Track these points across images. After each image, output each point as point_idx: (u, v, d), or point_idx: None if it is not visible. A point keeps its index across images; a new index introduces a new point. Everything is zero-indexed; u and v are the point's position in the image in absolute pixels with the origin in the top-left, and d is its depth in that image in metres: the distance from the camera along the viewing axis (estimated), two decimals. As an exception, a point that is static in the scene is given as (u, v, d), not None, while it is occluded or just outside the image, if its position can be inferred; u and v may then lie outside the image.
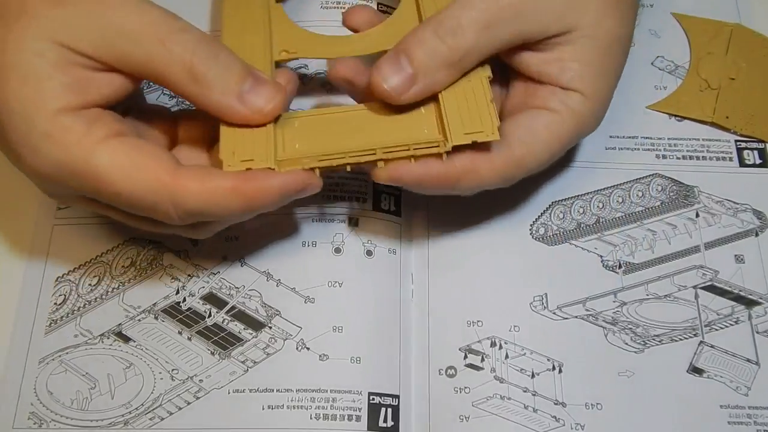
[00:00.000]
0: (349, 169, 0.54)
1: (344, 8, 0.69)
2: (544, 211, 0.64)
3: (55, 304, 0.62)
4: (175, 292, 0.62)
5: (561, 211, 0.64)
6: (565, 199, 0.65)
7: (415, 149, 0.53)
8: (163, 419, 0.58)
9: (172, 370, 0.59)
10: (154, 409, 0.58)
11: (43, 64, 0.49)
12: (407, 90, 0.54)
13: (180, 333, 0.60)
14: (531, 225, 0.64)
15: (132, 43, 0.50)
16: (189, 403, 0.58)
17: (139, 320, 0.61)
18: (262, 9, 0.61)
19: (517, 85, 0.59)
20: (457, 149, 0.54)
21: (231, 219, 0.54)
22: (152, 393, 0.59)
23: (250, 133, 0.54)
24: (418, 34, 0.55)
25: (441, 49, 0.54)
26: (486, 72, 0.56)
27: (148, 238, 0.63)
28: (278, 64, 0.59)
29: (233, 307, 0.61)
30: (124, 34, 0.50)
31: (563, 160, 0.65)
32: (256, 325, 0.60)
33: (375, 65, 0.55)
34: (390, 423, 0.57)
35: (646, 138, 0.67)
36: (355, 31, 0.62)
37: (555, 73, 0.56)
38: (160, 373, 0.59)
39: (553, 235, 0.63)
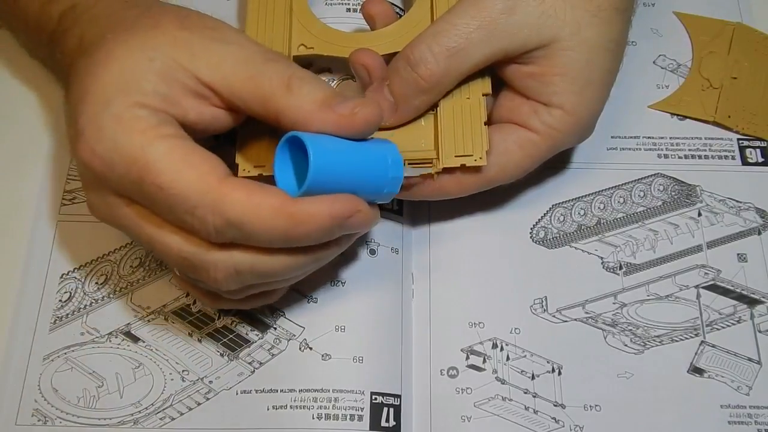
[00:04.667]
0: None
1: (349, 5, 0.70)
2: (544, 214, 0.65)
3: (60, 301, 0.62)
4: (185, 294, 0.62)
5: (561, 214, 0.64)
6: (565, 201, 0.65)
7: (410, 166, 0.57)
8: (173, 419, 0.58)
9: (183, 371, 0.60)
10: (164, 409, 0.59)
11: (148, 67, 0.50)
12: (390, 116, 0.58)
13: (191, 335, 0.61)
14: (531, 228, 0.64)
15: (241, 64, 0.51)
16: (199, 404, 0.59)
17: (149, 321, 0.62)
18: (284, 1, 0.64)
19: (505, 95, 0.60)
20: (448, 168, 0.57)
21: (274, 244, 0.50)
22: (163, 393, 0.59)
23: (266, 140, 0.58)
24: (393, 63, 0.58)
25: (414, 78, 0.57)
26: (485, 88, 0.59)
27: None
28: (296, 59, 0.63)
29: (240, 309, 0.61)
30: (235, 61, 0.51)
31: (564, 163, 0.66)
32: (262, 327, 0.61)
33: (364, 94, 0.59)
34: (392, 423, 0.58)
35: (648, 138, 0.67)
36: (371, 20, 0.64)
37: (537, 89, 0.57)
38: (170, 373, 0.60)
39: (553, 238, 0.64)
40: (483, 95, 0.58)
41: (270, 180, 0.60)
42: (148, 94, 0.50)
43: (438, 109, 0.59)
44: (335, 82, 0.66)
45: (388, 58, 0.60)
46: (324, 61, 0.67)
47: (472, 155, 0.57)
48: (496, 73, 0.59)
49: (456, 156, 0.57)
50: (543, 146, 0.58)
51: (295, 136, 0.49)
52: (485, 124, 0.58)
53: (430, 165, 0.57)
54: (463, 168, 0.57)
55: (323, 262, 0.54)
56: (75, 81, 0.52)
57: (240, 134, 0.59)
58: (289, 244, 0.50)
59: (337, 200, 0.49)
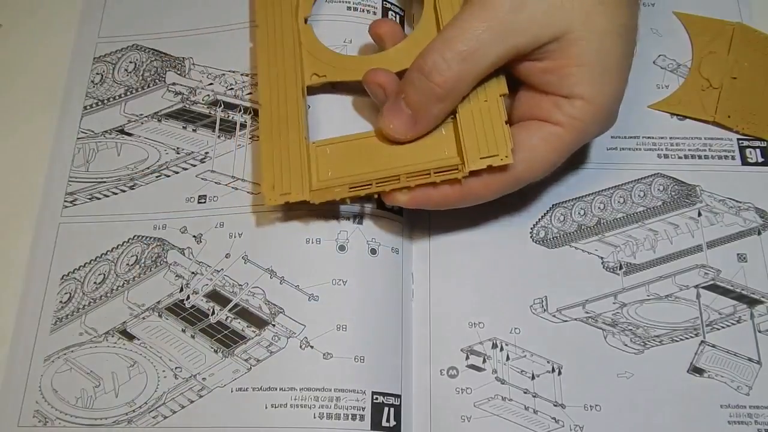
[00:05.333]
0: (376, 197, 0.60)
1: (349, 3, 0.69)
2: (544, 213, 0.64)
3: (61, 302, 0.62)
4: (178, 290, 0.62)
5: (562, 214, 0.64)
6: (565, 201, 0.65)
7: (435, 174, 0.57)
8: (166, 417, 0.58)
9: (176, 368, 0.60)
10: (157, 408, 0.58)
11: None
12: (411, 129, 0.58)
13: (183, 331, 0.61)
14: (532, 228, 0.64)
15: None
16: (192, 402, 0.59)
17: (144, 318, 0.61)
18: (292, 33, 0.65)
19: (523, 93, 0.60)
20: (474, 171, 0.57)
21: None
22: (156, 391, 0.59)
23: (287, 166, 0.59)
24: (407, 75, 0.58)
25: (429, 87, 0.56)
26: (501, 89, 0.59)
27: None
28: (310, 89, 0.64)
29: (236, 305, 0.61)
30: None
31: (564, 162, 0.65)
32: (259, 323, 0.60)
33: (381, 111, 0.59)
34: (392, 422, 0.58)
35: (648, 138, 0.67)
36: (380, 40, 0.64)
37: (555, 82, 0.57)
38: (163, 371, 0.60)
39: (553, 237, 0.64)
40: (500, 96, 0.58)
41: (297, 206, 0.60)
42: None
43: (457, 115, 0.58)
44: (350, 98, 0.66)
45: (401, 75, 0.60)
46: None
47: (497, 155, 0.56)
48: (511, 73, 0.59)
49: (481, 158, 0.57)
50: (568, 138, 0.57)
51: None
52: (506, 123, 0.57)
53: (457, 171, 0.57)
54: (490, 169, 0.57)
55: None
56: None
57: (263, 162, 0.60)
58: None
59: None
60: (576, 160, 0.66)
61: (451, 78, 0.56)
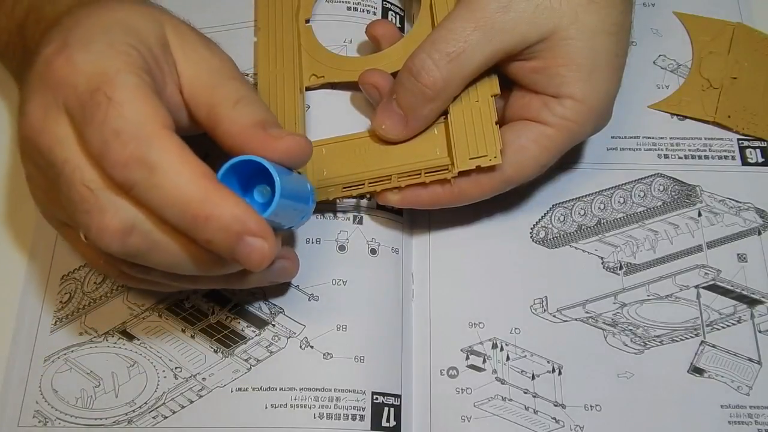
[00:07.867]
0: (369, 196, 0.61)
1: (349, 3, 0.69)
2: (545, 213, 0.64)
3: (61, 302, 0.62)
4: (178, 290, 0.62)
5: (562, 214, 0.64)
6: (565, 201, 0.65)
7: (426, 174, 0.58)
8: (166, 417, 0.58)
9: (176, 368, 0.60)
10: (157, 408, 0.58)
11: (151, 27, 0.51)
12: (402, 130, 0.59)
13: (183, 331, 0.61)
14: (532, 228, 0.64)
15: (212, 72, 0.53)
16: (192, 402, 0.58)
17: (143, 318, 0.61)
18: (292, 35, 0.65)
19: (515, 94, 0.60)
20: (464, 171, 0.57)
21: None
22: (156, 391, 0.59)
23: None
24: (398, 77, 0.58)
25: (418, 88, 0.57)
26: (493, 89, 0.59)
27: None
28: (309, 89, 0.64)
29: (236, 305, 0.61)
30: (209, 68, 0.53)
31: (564, 163, 0.65)
32: (259, 323, 0.60)
33: (375, 111, 0.60)
34: (392, 423, 0.58)
35: (648, 138, 0.67)
36: (376, 41, 0.64)
37: (544, 82, 0.57)
38: (163, 371, 0.60)
39: (553, 237, 0.64)
40: (492, 96, 0.58)
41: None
42: (146, 46, 0.50)
43: (449, 115, 0.59)
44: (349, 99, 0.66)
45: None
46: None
47: (486, 155, 0.57)
48: (504, 74, 0.59)
49: (470, 158, 0.57)
50: (558, 139, 0.57)
51: (251, 160, 0.48)
52: (497, 123, 0.58)
53: (447, 171, 0.58)
54: (480, 169, 0.57)
55: (205, 285, 0.54)
56: (70, 17, 0.51)
57: None
58: (187, 222, 0.46)
59: (252, 213, 0.47)
60: (576, 160, 0.66)
61: (440, 79, 0.56)
